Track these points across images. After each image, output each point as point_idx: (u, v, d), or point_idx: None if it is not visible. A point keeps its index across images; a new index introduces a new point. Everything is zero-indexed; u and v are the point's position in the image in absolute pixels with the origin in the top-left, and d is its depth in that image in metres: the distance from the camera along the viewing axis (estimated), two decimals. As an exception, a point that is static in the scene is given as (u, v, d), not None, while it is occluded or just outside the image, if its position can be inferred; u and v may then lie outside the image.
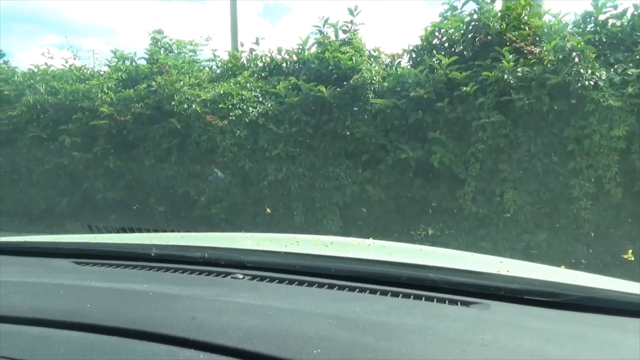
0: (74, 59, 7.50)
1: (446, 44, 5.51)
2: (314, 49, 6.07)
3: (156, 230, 2.12)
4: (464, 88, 4.80)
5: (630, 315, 1.04)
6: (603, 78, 4.36)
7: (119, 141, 6.33)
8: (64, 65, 7.30)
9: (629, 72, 4.31)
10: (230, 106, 5.71)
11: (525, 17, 5.04)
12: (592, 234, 4.85)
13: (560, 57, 4.52)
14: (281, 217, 6.03)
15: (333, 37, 6.11)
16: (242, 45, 6.83)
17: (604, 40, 4.84)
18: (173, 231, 2.13)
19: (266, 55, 6.45)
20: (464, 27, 5.33)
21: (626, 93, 4.24)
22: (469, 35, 5.28)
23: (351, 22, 6.12)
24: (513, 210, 4.76)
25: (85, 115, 6.30)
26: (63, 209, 6.63)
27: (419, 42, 5.67)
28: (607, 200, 4.51)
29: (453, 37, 5.39)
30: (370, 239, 2.07)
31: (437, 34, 5.55)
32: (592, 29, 4.96)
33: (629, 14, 4.83)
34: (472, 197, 4.96)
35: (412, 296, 1.14)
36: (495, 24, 5.04)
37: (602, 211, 4.58)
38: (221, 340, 0.81)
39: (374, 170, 5.39)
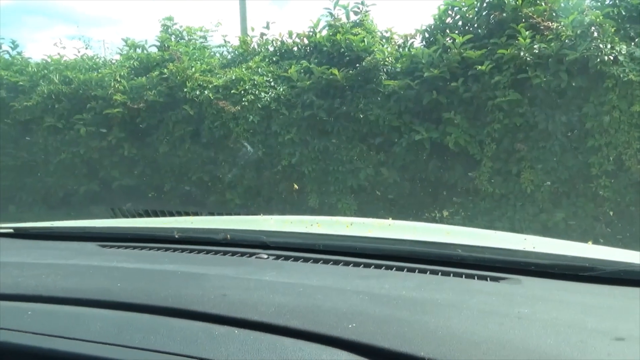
0: (86, 48, 7.52)
1: (460, 23, 5.42)
2: (325, 32, 6.01)
3: (178, 214, 2.13)
4: (479, 67, 4.73)
5: None
6: (623, 52, 4.26)
7: (133, 129, 6.36)
8: (76, 55, 7.32)
9: (650, 46, 4.21)
10: (242, 92, 5.69)
11: (541, -8, 4.92)
12: (611, 213, 4.79)
13: (579, 32, 4.42)
14: (295, 202, 6.04)
15: (344, 19, 6.04)
16: (252, 30, 6.79)
17: (624, 13, 4.71)
18: (189, 214, 2.14)
19: (277, 40, 6.41)
20: (478, 4, 5.23)
21: (647, 67, 4.14)
22: (484, 13, 5.18)
23: (362, 3, 6.04)
24: (530, 190, 4.71)
25: (99, 104, 6.33)
26: (80, 197, 6.70)
27: (432, 21, 5.59)
28: (627, 178, 4.44)
29: (467, 15, 5.30)
30: (390, 219, 2.06)
31: (450, 12, 5.46)
32: (610, 2, 4.83)
33: (649, -14, 4.69)
34: (489, 177, 4.91)
35: (440, 273, 1.13)
36: (511, 0, 4.93)
37: (622, 189, 4.51)
38: (255, 317, 0.81)
39: (388, 153, 5.36)
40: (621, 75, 4.18)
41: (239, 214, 5.90)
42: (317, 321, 0.80)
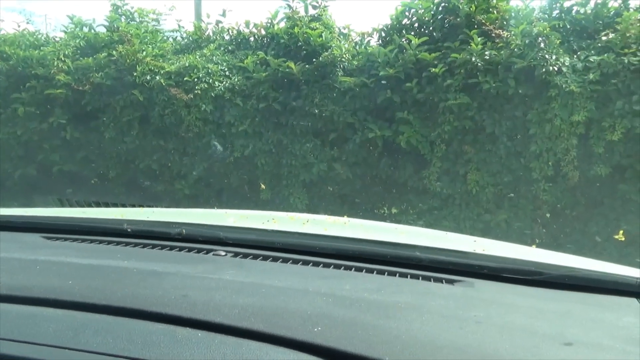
0: (27, 23, 7.06)
1: (416, 25, 5.52)
2: (283, 24, 5.95)
3: (126, 205, 2.05)
4: (433, 69, 4.85)
5: (607, 293, 1.09)
6: (566, 64, 4.49)
7: (77, 112, 6.05)
8: (16, 30, 6.86)
9: (591, 59, 4.46)
10: (195, 79, 5.55)
11: (494, 1, 5.10)
12: (548, 215, 5.06)
13: (527, 42, 4.62)
14: (246, 194, 5.98)
15: (302, 12, 6.00)
16: (208, 16, 6.61)
17: (568, 27, 4.97)
18: (142, 206, 2.07)
19: (233, 28, 6.28)
20: (434, 8, 5.34)
21: (587, 79, 4.39)
22: (439, 17, 5.30)
23: (321, -3, 6.01)
24: (476, 191, 4.90)
25: (39, 84, 5.97)
26: (16, 181, 6.32)
27: (389, 21, 5.65)
28: (564, 182, 4.70)
29: (423, 17, 5.41)
30: (345, 217, 2.08)
31: (407, 13, 5.54)
32: (557, 15, 5.08)
33: (592, 2, 4.98)
34: (437, 177, 5.06)
35: (397, 274, 1.15)
36: (465, 6, 5.07)
37: (559, 193, 4.77)
38: (218, 319, 0.80)
39: (342, 149, 5.40)
40: (564, 86, 4.41)
41: (188, 204, 5.77)
42: (282, 324, 0.79)
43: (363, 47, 5.75)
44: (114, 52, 5.85)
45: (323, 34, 5.56)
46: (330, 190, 5.74)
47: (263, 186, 5.52)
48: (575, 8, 5.04)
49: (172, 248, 1.31)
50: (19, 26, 6.89)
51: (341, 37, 5.89)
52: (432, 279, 1.13)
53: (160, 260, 1.22)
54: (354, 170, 5.43)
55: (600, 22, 4.86)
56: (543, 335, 0.83)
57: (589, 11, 4.94)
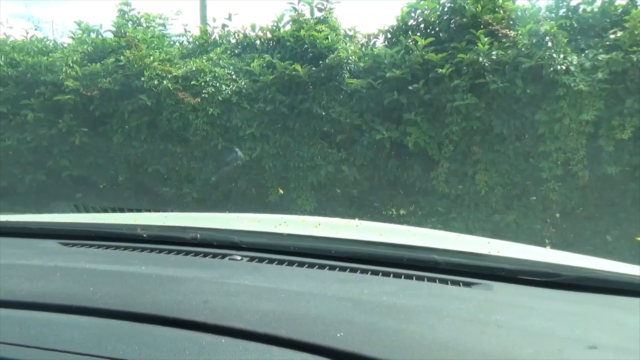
0: (35, 29, 7.12)
1: (422, 25, 5.52)
2: (288, 27, 5.96)
3: (141, 210, 2.06)
4: (440, 70, 4.84)
5: (626, 295, 1.08)
6: (574, 63, 4.47)
7: (86, 117, 6.09)
8: (25, 37, 6.92)
9: (599, 58, 4.43)
10: (202, 83, 5.57)
11: (500, 0, 5.09)
12: (558, 215, 5.03)
13: (534, 41, 4.60)
14: (254, 196, 5.98)
15: (308, 15, 6.02)
16: (214, 20, 6.64)
17: (575, 25, 4.95)
18: (157, 211, 2.08)
19: (239, 32, 6.31)
20: (440, 8, 5.34)
21: (596, 78, 4.37)
22: (445, 17, 5.29)
23: (327, -1, 6.03)
24: (484, 192, 4.88)
25: (48, 90, 6.01)
26: (26, 187, 6.37)
27: (394, 22, 5.65)
28: (574, 182, 4.67)
29: (429, 18, 5.40)
30: (357, 219, 2.08)
31: (413, 14, 5.55)
32: (564, 14, 5.06)
33: (599, 1, 4.95)
34: (445, 178, 5.05)
35: (414, 277, 1.15)
36: (471, 6, 5.06)
37: (569, 193, 4.75)
38: (240, 324, 0.80)
39: (349, 151, 5.40)
40: (572, 85, 4.39)
41: (196, 208, 5.79)
42: (304, 330, 0.79)
43: (369, 48, 5.75)
44: (122, 58, 5.89)
45: (329, 36, 5.57)
46: (338, 192, 5.74)
47: (281, 190, 5.52)
48: (582, 6, 5.02)
49: (187, 253, 1.32)
50: (27, 33, 6.96)
51: (347, 39, 5.90)
52: (449, 282, 1.13)
53: (176, 265, 1.22)
54: (362, 172, 5.43)
55: (608, 20, 4.83)
56: (566, 338, 0.83)
57: (596, 9, 4.92)
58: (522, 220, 4.93)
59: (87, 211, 2.44)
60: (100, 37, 6.67)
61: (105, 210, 2.24)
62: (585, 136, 4.51)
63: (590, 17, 4.91)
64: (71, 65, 6.06)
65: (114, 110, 5.94)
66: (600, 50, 4.55)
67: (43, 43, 6.76)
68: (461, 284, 1.12)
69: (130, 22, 6.81)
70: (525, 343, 0.79)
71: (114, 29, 6.62)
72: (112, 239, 1.44)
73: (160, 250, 1.34)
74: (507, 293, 1.09)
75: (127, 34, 6.29)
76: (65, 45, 6.83)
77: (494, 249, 1.36)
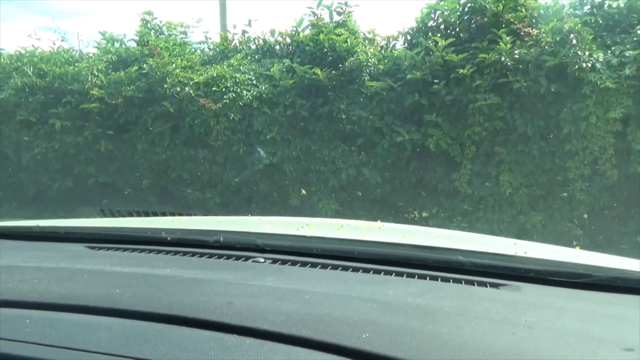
0: (62, 41, 7.31)
1: (442, 26, 5.47)
2: (308, 31, 5.98)
3: (166, 214, 2.09)
4: (461, 70, 4.79)
5: None
6: (600, 60, 4.37)
7: (110, 125, 6.23)
8: (52, 48, 7.12)
9: (626, 54, 4.33)
10: (223, 89, 5.63)
11: (522, -1, 5.01)
12: (586, 216, 4.92)
13: (558, 39, 4.52)
14: (276, 200, 6.01)
15: (327, 19, 6.03)
16: (234, 27, 6.70)
17: (600, 22, 4.84)
18: (181, 215, 2.10)
19: (259, 38, 6.36)
20: (460, 8, 5.29)
21: (623, 75, 4.26)
22: (465, 17, 5.24)
23: (345, 3, 6.04)
24: (509, 193, 4.80)
25: (75, 99, 6.17)
26: (54, 194, 6.53)
27: (414, 24, 5.63)
28: (602, 182, 4.56)
29: (449, 18, 5.36)
30: (379, 221, 2.06)
31: (432, 15, 5.51)
32: (588, 11, 4.96)
33: (625, -4, 4.83)
34: (468, 179, 4.98)
35: (439, 279, 1.13)
36: (492, 5, 5.00)
37: (597, 193, 4.63)
38: (265, 326, 0.80)
39: (370, 154, 5.38)
40: (598, 82, 4.29)
41: (219, 212, 5.84)
42: (329, 331, 0.79)
43: (389, 50, 5.73)
44: (145, 66, 6.00)
45: (348, 40, 5.57)
46: (360, 195, 5.72)
47: (304, 191, 5.53)
48: (607, 2, 4.90)
49: (211, 256, 1.32)
50: (54, 44, 7.15)
51: (366, 41, 5.89)
52: (475, 283, 1.11)
53: (200, 267, 1.23)
54: (383, 174, 5.40)
55: (635, 15, 4.72)
56: (600, 340, 0.80)
57: (622, 5, 4.80)
58: (548, 221, 4.83)
59: (112, 216, 2.48)
60: (124, 46, 6.81)
61: (130, 215, 2.28)
62: (613, 134, 4.40)
63: (616, 13, 4.80)
64: (96, 74, 6.19)
65: (137, 117, 6.05)
66: (628, 46, 4.44)
67: (69, 53, 6.94)
68: (488, 285, 1.10)
69: (153, 30, 6.94)
70: (558, 345, 0.77)
71: (137, 38, 6.76)
72: (137, 242, 1.46)
73: (185, 253, 1.35)
74: (536, 294, 1.07)
75: (150, 42, 6.40)
76: (90, 55, 7.00)
77: (520, 250, 1.33)
